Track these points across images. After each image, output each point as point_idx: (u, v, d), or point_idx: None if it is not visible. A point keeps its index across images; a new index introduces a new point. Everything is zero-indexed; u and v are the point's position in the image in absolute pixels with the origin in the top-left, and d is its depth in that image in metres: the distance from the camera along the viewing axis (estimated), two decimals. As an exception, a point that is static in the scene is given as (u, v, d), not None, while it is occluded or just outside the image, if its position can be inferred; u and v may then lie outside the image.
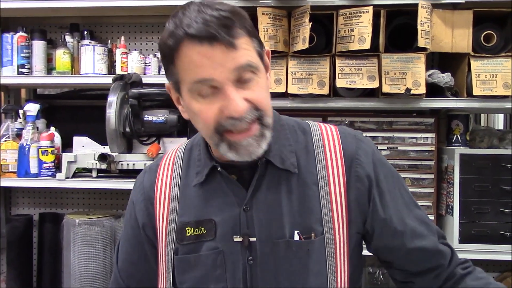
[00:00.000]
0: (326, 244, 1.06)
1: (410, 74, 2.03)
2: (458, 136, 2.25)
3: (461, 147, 2.21)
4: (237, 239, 1.07)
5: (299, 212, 1.07)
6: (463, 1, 2.06)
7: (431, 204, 2.20)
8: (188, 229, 1.10)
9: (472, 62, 2.08)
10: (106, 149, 2.26)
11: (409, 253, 1.12)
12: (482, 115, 3.34)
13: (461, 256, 2.06)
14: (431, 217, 2.19)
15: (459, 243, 2.10)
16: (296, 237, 1.06)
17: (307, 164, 1.10)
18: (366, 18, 2.00)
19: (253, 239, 1.06)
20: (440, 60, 2.38)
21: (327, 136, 1.14)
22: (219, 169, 1.08)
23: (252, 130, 0.99)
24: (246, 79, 0.97)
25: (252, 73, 0.98)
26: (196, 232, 1.09)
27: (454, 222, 2.11)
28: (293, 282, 1.05)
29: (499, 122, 3.46)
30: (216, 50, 0.92)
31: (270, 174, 1.09)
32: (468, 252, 2.10)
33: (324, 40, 2.15)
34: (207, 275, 1.09)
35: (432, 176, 2.20)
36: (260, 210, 1.07)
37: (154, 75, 2.42)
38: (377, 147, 1.19)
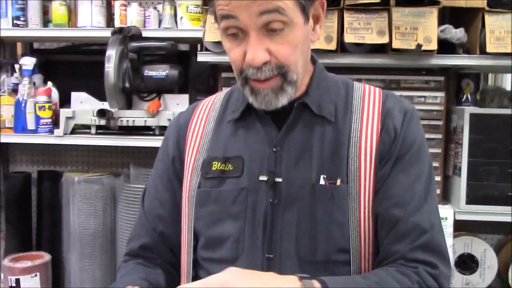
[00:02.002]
0: (350, 195, 1.02)
1: (422, 29, 1.95)
2: (468, 95, 2.19)
3: (471, 107, 2.15)
4: (263, 177, 1.04)
5: (329, 158, 1.03)
6: (480, -48, 1.96)
7: (438, 165, 2.14)
8: (215, 164, 1.09)
9: (486, 17, 1.98)
10: (105, 105, 2.20)
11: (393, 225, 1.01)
12: (490, 75, 3.25)
13: (468, 217, 2.07)
14: (438, 178, 2.15)
15: (466, 204, 2.06)
16: (322, 182, 1.02)
17: (344, 115, 1.07)
18: (377, -31, 1.91)
19: (279, 179, 1.03)
20: (451, 16, 2.28)
21: (369, 92, 1.10)
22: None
23: (270, 83, 0.98)
24: (274, 28, 0.94)
25: (283, 24, 0.94)
26: (222, 167, 1.08)
27: (461, 183, 2.07)
28: (315, 229, 1.01)
29: (507, 82, 3.38)
30: None
31: (305, 118, 1.07)
32: (475, 213, 2.07)
33: (332, -7, 2.05)
34: (225, 211, 1.06)
35: (440, 136, 2.14)
36: (290, 151, 1.05)
37: (154, 28, 2.34)
38: (421, 125, 1.11)
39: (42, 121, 2.23)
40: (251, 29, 0.93)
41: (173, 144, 1.17)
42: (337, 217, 1.01)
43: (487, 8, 1.99)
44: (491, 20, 1.98)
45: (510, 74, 3.30)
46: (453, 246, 2.17)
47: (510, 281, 2.25)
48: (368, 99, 1.09)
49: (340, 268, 1.03)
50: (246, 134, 1.09)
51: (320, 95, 1.08)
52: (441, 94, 2.13)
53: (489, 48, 1.97)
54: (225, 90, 1.21)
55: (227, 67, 2.19)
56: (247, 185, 1.05)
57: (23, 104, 2.22)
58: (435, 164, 2.14)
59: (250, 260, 1.03)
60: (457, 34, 1.98)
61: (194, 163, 1.12)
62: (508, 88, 3.32)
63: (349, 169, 1.02)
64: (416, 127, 1.07)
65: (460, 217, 2.07)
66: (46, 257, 2.33)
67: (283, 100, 1.00)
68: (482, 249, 2.26)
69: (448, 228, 2.04)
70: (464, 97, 2.18)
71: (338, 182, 1.01)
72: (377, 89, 1.12)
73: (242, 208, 1.05)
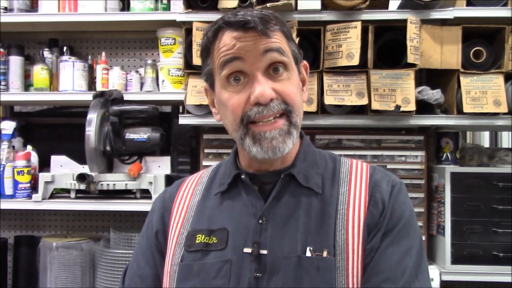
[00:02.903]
0: (337, 269, 0.98)
1: (400, 91, 1.99)
2: (448, 154, 2.21)
3: (451, 165, 2.17)
4: (247, 250, 1.02)
5: (316, 229, 1.01)
6: (452, 17, 2.03)
7: (421, 224, 2.14)
8: (199, 237, 1.07)
9: (461, 78, 2.04)
10: (85, 169, 2.17)
11: None
12: (468, 132, 3.32)
13: (454, 278, 2.04)
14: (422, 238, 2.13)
15: (451, 264, 2.05)
16: (308, 254, 0.99)
17: (331, 188, 1.07)
18: (354, 34, 1.96)
19: (264, 251, 1.01)
20: (428, 77, 2.35)
21: (356, 166, 1.12)
22: (242, 176, 1.07)
23: (278, 124, 1.01)
24: (277, 71, 1.00)
25: (284, 66, 1.01)
26: (206, 240, 1.06)
27: (446, 243, 2.06)
28: None
29: (485, 139, 3.45)
30: (249, 35, 0.98)
31: (292, 190, 1.06)
32: (460, 274, 2.05)
33: (312, 56, 2.10)
34: (207, 285, 1.02)
35: (422, 195, 2.15)
36: (275, 223, 1.03)
37: (136, 91, 2.35)
38: (409, 197, 1.10)
39: (20, 185, 2.19)
40: (257, 70, 0.98)
41: (157, 218, 1.16)
42: None
43: (461, 70, 2.05)
44: (466, 81, 2.03)
45: (487, 132, 3.37)
46: (441, 307, 2.13)
47: None
48: (355, 172, 1.09)
49: None
50: (232, 205, 1.08)
51: (307, 166, 1.08)
52: (421, 153, 2.16)
53: (466, 109, 2.01)
54: (211, 167, 1.22)
55: (209, 129, 2.20)
56: (231, 257, 1.02)
57: (1, 169, 2.19)
58: (419, 223, 2.13)
59: None
60: (434, 95, 2.02)
61: (178, 236, 1.10)
62: (487, 145, 3.38)
63: (336, 241, 1.00)
64: (404, 200, 1.06)
65: (446, 277, 2.04)
66: (21, 327, 2.23)
67: (289, 145, 1.01)
68: (470, 310, 2.22)
69: (434, 289, 2.02)
70: (444, 155, 2.20)
71: (325, 253, 0.99)
72: (364, 163, 1.13)
73: (225, 282, 1.01)
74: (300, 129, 1.11)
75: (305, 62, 1.12)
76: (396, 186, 1.06)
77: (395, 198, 1.04)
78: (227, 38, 0.99)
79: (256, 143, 1.00)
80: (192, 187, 1.17)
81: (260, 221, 1.03)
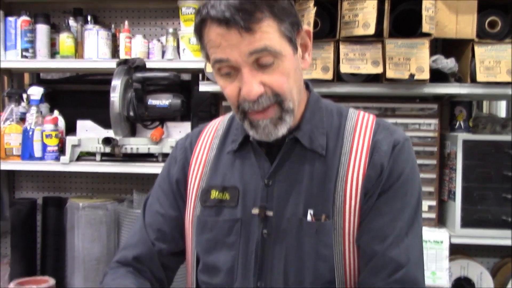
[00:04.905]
0: (334, 230, 1.05)
1: (414, 60, 2.03)
2: (461, 122, 2.26)
3: (464, 133, 2.22)
4: (255, 211, 1.09)
5: (317, 193, 1.07)
6: (468, -13, 2.06)
7: (433, 190, 2.21)
8: (213, 192, 1.14)
9: (476, 48, 2.07)
10: (110, 133, 2.27)
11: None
12: (484, 102, 3.33)
13: (463, 241, 2.11)
14: (433, 203, 2.20)
15: (460, 228, 2.12)
16: (309, 217, 1.06)
17: (335, 148, 1.10)
18: (370, 4, 2.00)
19: (270, 213, 1.08)
20: (443, 46, 2.38)
21: (361, 123, 1.12)
22: (251, 138, 1.11)
23: (268, 113, 1.02)
24: (265, 63, 0.98)
25: (272, 57, 0.98)
26: (220, 196, 1.13)
27: (456, 208, 2.12)
28: (302, 262, 1.06)
29: (502, 109, 3.46)
30: (232, 33, 0.95)
31: (296, 153, 1.10)
32: (469, 237, 2.12)
33: (329, 25, 2.14)
34: (221, 240, 1.11)
35: (434, 162, 2.21)
36: (280, 186, 1.09)
37: (158, 59, 2.43)
38: (414, 155, 1.11)
39: (48, 148, 2.29)
40: (243, 66, 0.97)
41: (178, 167, 1.22)
42: (322, 251, 1.05)
43: (476, 39, 2.08)
44: (480, 51, 2.07)
45: (504, 102, 3.38)
46: (450, 269, 2.21)
47: (506, 304, 2.29)
48: (360, 129, 1.11)
49: None
50: (242, 165, 1.14)
51: (312, 127, 1.11)
52: (434, 121, 2.21)
53: (479, 78, 2.05)
54: (228, 115, 1.26)
55: (228, 96, 2.27)
56: (241, 216, 1.10)
57: (30, 133, 2.29)
58: (430, 189, 2.20)
59: None
60: (448, 64, 2.06)
61: (197, 190, 1.17)
62: (503, 115, 3.40)
63: (335, 204, 1.06)
64: (405, 159, 1.08)
65: (455, 240, 2.12)
66: (51, 281, 2.36)
67: (282, 130, 1.04)
68: (479, 272, 2.30)
69: (443, 251, 2.09)
70: (457, 124, 2.25)
71: (323, 218, 1.05)
72: (370, 118, 1.14)
73: (236, 238, 1.10)
74: (307, 83, 1.15)
75: (307, 28, 1.09)
76: (397, 146, 1.08)
77: (395, 158, 1.07)
78: (212, 34, 0.97)
79: (253, 128, 1.04)
80: (210, 140, 1.22)
81: (266, 183, 1.09)
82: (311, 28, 1.98)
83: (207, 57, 1.04)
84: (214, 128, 1.25)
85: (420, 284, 1.05)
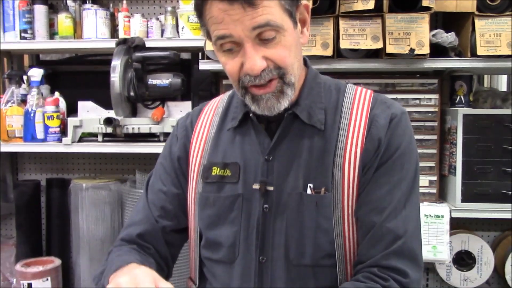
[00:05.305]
0: (334, 203, 1.07)
1: (414, 34, 2.02)
2: (462, 97, 2.26)
3: (464, 108, 2.22)
4: (256, 186, 1.11)
5: (316, 167, 1.09)
6: (468, -40, 2.04)
7: (434, 165, 2.22)
8: (215, 169, 1.16)
9: (476, 21, 2.06)
10: (111, 114, 2.27)
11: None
12: (486, 76, 3.32)
13: (464, 215, 2.13)
14: (434, 178, 2.22)
15: (461, 202, 2.13)
16: (309, 191, 1.08)
17: (333, 123, 1.11)
18: (370, -22, 1.98)
19: (271, 188, 1.10)
20: (444, 20, 2.37)
21: (359, 98, 1.14)
22: (251, 115, 1.13)
23: (271, 87, 1.03)
24: (268, 37, 0.99)
25: (275, 31, 0.99)
26: (221, 172, 1.15)
27: (456, 182, 2.14)
28: (302, 235, 1.08)
29: (503, 83, 3.45)
30: (235, 8, 0.95)
31: (295, 128, 1.12)
32: (470, 211, 2.14)
33: (328, 1, 2.13)
34: (223, 215, 1.13)
35: (435, 137, 2.22)
36: (280, 160, 1.11)
37: (157, 38, 2.41)
38: (411, 128, 1.13)
39: (50, 130, 2.30)
40: (246, 41, 0.98)
41: (179, 145, 1.24)
42: (322, 224, 1.07)
43: (476, 13, 2.07)
44: (480, 24, 2.06)
45: (505, 76, 3.37)
46: (451, 243, 2.23)
47: (506, 276, 2.32)
48: (357, 104, 1.13)
49: (327, 271, 1.09)
50: (243, 142, 1.15)
51: (310, 102, 1.12)
52: (435, 96, 2.21)
53: (480, 51, 2.04)
54: (228, 93, 1.27)
55: (228, 74, 2.27)
56: (243, 192, 1.12)
57: (32, 114, 2.29)
58: (431, 164, 2.21)
59: (245, 263, 1.12)
60: (448, 38, 2.05)
61: (199, 167, 1.19)
62: (504, 89, 3.39)
63: (333, 177, 1.07)
64: (402, 132, 1.10)
65: (456, 215, 2.14)
66: (57, 261, 2.40)
67: (284, 103, 1.05)
68: (479, 246, 2.33)
69: (444, 225, 2.11)
70: (458, 98, 2.25)
71: (322, 191, 1.07)
72: (368, 93, 1.16)
73: (238, 214, 1.12)
74: (305, 59, 1.16)
75: (305, 2, 1.09)
76: (395, 119, 1.09)
77: (393, 131, 1.08)
78: (215, 10, 0.97)
79: (254, 102, 1.05)
80: (210, 117, 1.23)
81: (266, 158, 1.11)
82: (310, 4, 1.97)
83: (208, 35, 1.05)
84: (214, 106, 1.26)
85: (416, 255, 1.06)
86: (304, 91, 1.14)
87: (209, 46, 2.12)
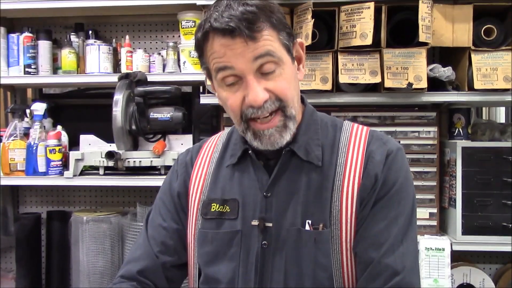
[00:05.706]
0: (332, 239, 1.08)
1: (412, 69, 2.06)
2: (460, 129, 2.28)
3: (463, 140, 2.24)
4: (255, 222, 1.12)
5: (314, 203, 1.10)
6: (463, -4, 2.09)
7: (434, 197, 2.22)
8: (214, 205, 1.17)
9: (472, 56, 2.10)
10: (112, 147, 2.29)
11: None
12: (484, 108, 3.34)
13: (465, 248, 2.13)
14: (434, 210, 2.22)
15: (462, 235, 2.13)
16: (307, 227, 1.09)
17: (330, 159, 1.13)
18: (367, 14, 2.02)
19: (269, 224, 1.11)
20: (441, 55, 2.41)
21: (356, 134, 1.16)
22: (250, 152, 1.14)
23: (274, 121, 1.06)
24: (268, 70, 1.03)
25: (275, 64, 1.03)
26: (220, 209, 1.16)
27: (457, 215, 2.14)
28: (301, 271, 1.08)
29: (501, 115, 3.48)
30: (237, 42, 0.99)
31: (293, 164, 1.13)
32: (471, 244, 2.14)
33: (327, 36, 2.17)
34: (222, 252, 1.14)
35: (434, 169, 2.23)
36: (278, 197, 1.12)
37: (159, 73, 2.45)
38: (407, 163, 1.15)
39: (52, 163, 2.31)
40: (248, 74, 1.02)
41: (179, 181, 1.25)
42: (321, 260, 1.07)
43: (473, 47, 2.11)
44: (477, 59, 2.09)
45: (503, 107, 3.40)
46: (452, 276, 2.22)
47: (509, 310, 2.30)
48: (354, 141, 1.15)
49: None
50: (241, 178, 1.17)
51: (308, 139, 1.14)
52: (433, 129, 2.23)
53: (477, 85, 2.08)
54: (227, 130, 1.29)
55: (229, 108, 2.29)
56: (241, 228, 1.13)
57: (34, 148, 2.31)
58: (431, 196, 2.22)
59: None
60: (445, 72, 2.09)
61: (199, 203, 1.20)
62: (503, 121, 3.42)
63: (331, 213, 1.08)
64: (398, 168, 1.11)
65: (457, 247, 2.13)
66: (56, 295, 2.38)
67: (286, 137, 1.08)
68: (481, 279, 2.31)
69: (445, 258, 2.10)
70: (456, 131, 2.27)
71: (321, 227, 1.08)
72: (364, 129, 1.18)
73: (237, 250, 1.13)
74: (302, 96, 1.18)
75: (300, 40, 1.13)
76: (391, 155, 1.11)
77: (389, 167, 1.10)
78: (217, 46, 1.01)
79: (257, 138, 1.07)
80: (210, 154, 1.25)
81: (265, 195, 1.12)
82: (309, 40, 2.01)
83: (209, 74, 1.09)
84: (214, 143, 1.28)
85: None
86: (301, 127, 1.15)
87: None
